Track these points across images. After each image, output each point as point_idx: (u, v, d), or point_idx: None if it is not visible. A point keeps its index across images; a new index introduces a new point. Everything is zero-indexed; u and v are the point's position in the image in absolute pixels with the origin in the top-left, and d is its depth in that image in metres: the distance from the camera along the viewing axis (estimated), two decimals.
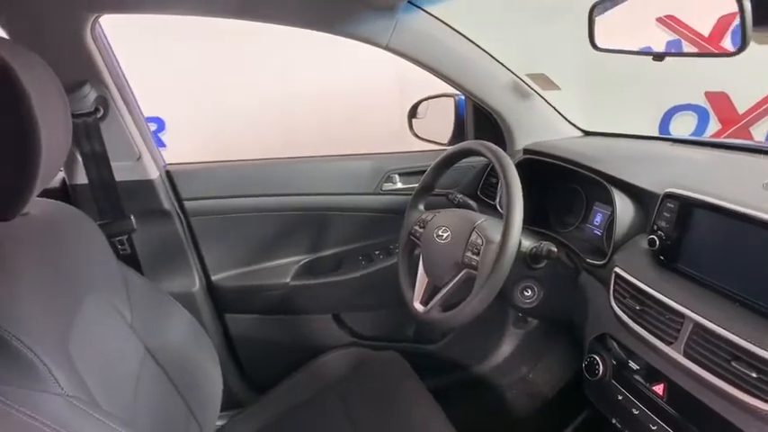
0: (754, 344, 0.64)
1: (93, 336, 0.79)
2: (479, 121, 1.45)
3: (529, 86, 1.32)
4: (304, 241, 1.43)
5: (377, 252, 1.48)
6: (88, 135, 1.05)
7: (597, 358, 0.90)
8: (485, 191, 1.43)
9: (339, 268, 1.46)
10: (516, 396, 1.58)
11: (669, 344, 0.75)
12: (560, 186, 1.25)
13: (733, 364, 0.66)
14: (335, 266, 1.47)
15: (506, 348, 1.64)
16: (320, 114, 2.40)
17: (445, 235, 1.04)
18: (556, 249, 0.95)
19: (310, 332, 1.48)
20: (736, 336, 0.66)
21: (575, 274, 1.07)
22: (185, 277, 1.28)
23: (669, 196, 0.83)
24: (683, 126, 2.54)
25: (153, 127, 2.34)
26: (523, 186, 1.21)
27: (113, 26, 1.07)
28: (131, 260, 1.16)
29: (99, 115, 1.05)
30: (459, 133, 1.53)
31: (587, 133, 1.41)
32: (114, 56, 1.08)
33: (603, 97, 2.19)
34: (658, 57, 0.88)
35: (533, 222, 1.19)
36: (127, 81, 1.12)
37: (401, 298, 1.38)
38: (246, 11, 1.04)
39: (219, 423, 1.26)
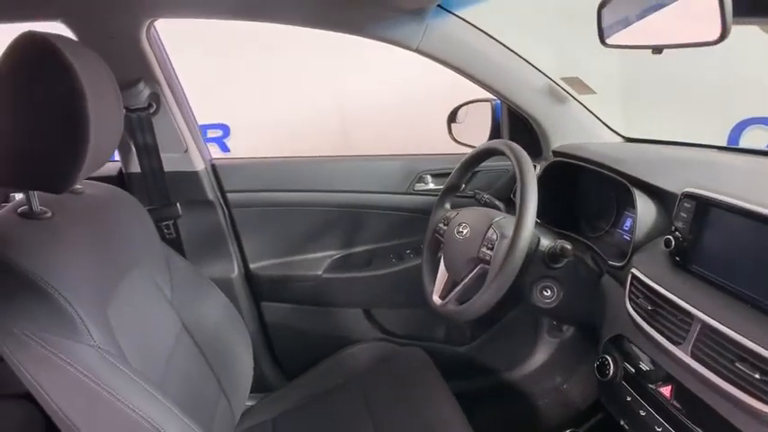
0: (758, 344, 0.63)
1: (132, 305, 0.88)
2: (515, 125, 1.45)
3: (564, 90, 1.32)
4: (338, 237, 1.48)
5: (408, 251, 1.52)
6: (141, 128, 1.16)
7: (609, 359, 0.89)
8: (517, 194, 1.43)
9: (370, 265, 1.51)
10: (547, 406, 1.55)
11: (677, 344, 0.74)
12: (593, 191, 1.23)
13: (737, 364, 0.65)
14: (367, 263, 1.51)
15: (540, 357, 1.61)
16: (374, 119, 2.47)
17: (465, 231, 1.06)
18: (570, 247, 0.95)
19: (341, 325, 1.53)
20: (743, 336, 0.65)
21: (597, 278, 1.05)
22: (225, 263, 1.37)
23: (687, 196, 0.81)
24: (758, 141, 2.31)
25: (218, 133, 2.51)
26: (553, 189, 1.22)
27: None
28: (176, 244, 1.26)
29: (152, 110, 1.16)
30: (495, 137, 1.54)
31: (628, 140, 1.38)
32: (167, 56, 1.19)
33: (657, 109, 2.10)
34: (657, 50, 0.87)
35: (563, 226, 1.19)
36: (178, 80, 1.23)
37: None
38: (284, 15, 1.12)
39: (249, 404, 1.34)
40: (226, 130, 2.56)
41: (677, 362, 0.74)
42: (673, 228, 0.83)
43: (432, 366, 1.27)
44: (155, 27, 1.13)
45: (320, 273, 1.45)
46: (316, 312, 1.51)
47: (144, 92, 1.13)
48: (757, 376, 0.62)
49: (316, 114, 2.47)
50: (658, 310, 0.79)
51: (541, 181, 1.25)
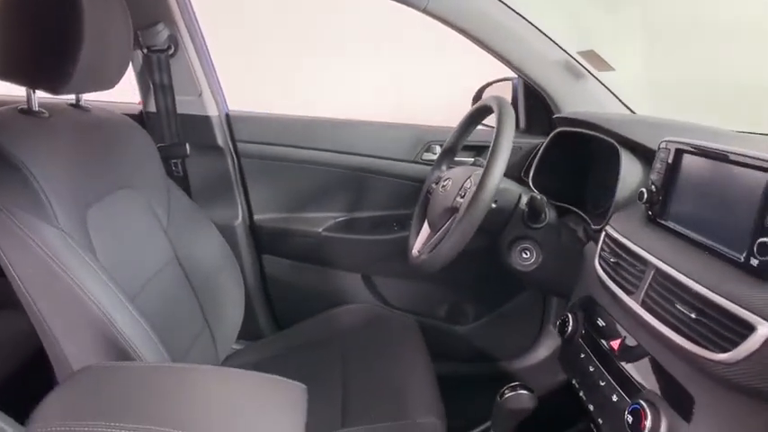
0: (702, 285, 0.59)
1: (117, 218, 0.94)
2: (533, 104, 1.43)
3: (580, 64, 1.28)
4: (343, 198, 1.50)
5: (410, 221, 1.51)
6: (160, 69, 1.24)
7: (570, 317, 0.85)
8: (528, 173, 1.40)
9: (372, 230, 1.52)
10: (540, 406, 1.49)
11: (630, 294, 0.71)
12: (602, 168, 1.19)
13: (677, 306, 0.61)
14: (369, 228, 1.52)
15: (542, 352, 1.54)
16: None
17: (447, 184, 1.05)
18: (539, 197, 0.92)
19: (339, 287, 1.54)
20: (688, 278, 0.61)
21: (581, 245, 1.01)
22: (230, 210, 1.43)
23: (664, 147, 0.77)
24: None
25: None
26: (559, 160, 1.18)
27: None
28: (183, 183, 1.33)
29: (170, 52, 1.24)
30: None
31: None
32: (189, 2, 1.26)
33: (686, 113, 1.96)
34: None
35: (568, 200, 1.15)
36: (198, 25, 1.30)
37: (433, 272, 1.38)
38: None
39: (237, 347, 1.38)
40: None
41: (628, 312, 0.70)
42: (650, 182, 0.79)
43: (418, 336, 1.25)
44: None
45: (321, 231, 1.48)
46: (316, 271, 1.53)
47: (163, 33, 1.21)
48: (693, 315, 0.58)
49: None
50: (620, 262, 0.76)
51: (546, 153, 1.23)
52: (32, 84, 0.81)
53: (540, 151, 1.24)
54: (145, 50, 1.22)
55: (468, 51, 1.32)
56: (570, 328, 0.83)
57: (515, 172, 1.42)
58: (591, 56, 1.27)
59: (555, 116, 1.27)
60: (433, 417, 0.95)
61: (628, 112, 1.30)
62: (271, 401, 0.70)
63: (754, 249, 0.55)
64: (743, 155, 0.61)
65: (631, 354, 0.69)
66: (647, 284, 0.68)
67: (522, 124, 1.47)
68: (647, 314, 0.66)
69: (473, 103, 1.58)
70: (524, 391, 0.79)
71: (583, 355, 0.78)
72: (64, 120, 0.90)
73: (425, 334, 1.27)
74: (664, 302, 0.64)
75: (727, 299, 0.55)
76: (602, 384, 0.71)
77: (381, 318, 1.33)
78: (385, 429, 0.93)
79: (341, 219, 1.52)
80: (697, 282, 0.60)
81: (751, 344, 0.51)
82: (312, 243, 1.49)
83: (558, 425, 1.19)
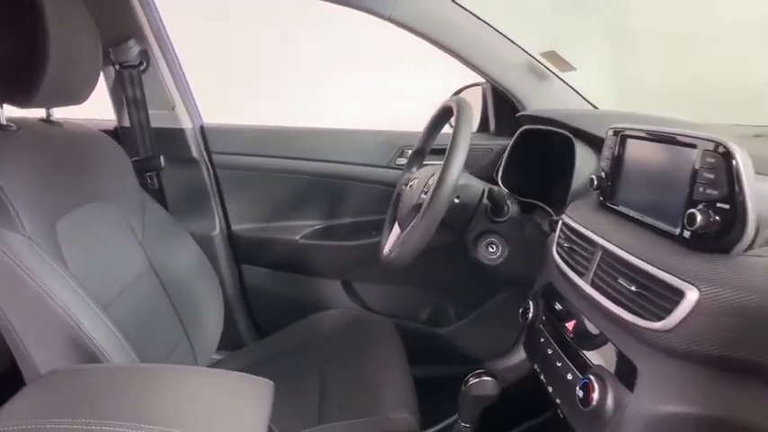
0: (641, 259, 0.61)
1: (89, 230, 0.96)
2: (503, 108, 1.46)
3: (543, 65, 1.32)
4: (320, 206, 1.53)
5: None
6: (132, 84, 1.27)
7: (531, 303, 0.87)
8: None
9: (350, 236, 1.54)
10: (517, 402, 1.49)
11: (581, 275, 0.73)
12: (565, 162, 1.22)
13: (619, 281, 0.63)
14: (347, 234, 1.54)
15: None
16: None
17: (414, 183, 1.08)
18: (497, 189, 0.95)
19: (319, 294, 1.56)
20: (629, 254, 0.63)
21: (545, 237, 1.04)
22: (207, 221, 1.45)
23: (611, 135, 0.80)
24: None
25: None
26: (526, 161, 1.21)
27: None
28: (158, 194, 1.35)
29: (142, 68, 1.27)
30: (485, 120, 1.56)
31: None
32: (159, 17, 1.30)
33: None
34: None
35: (535, 196, 1.17)
36: (170, 40, 1.33)
37: (412, 275, 1.38)
38: None
39: (218, 357, 1.38)
40: None
41: (580, 293, 0.72)
42: (600, 169, 0.82)
43: (395, 337, 1.26)
44: None
45: (299, 238, 1.50)
46: (295, 279, 1.55)
47: (134, 49, 1.24)
48: (633, 288, 0.60)
49: None
50: (573, 246, 0.78)
51: (513, 152, 1.26)
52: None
53: (507, 150, 1.27)
54: (117, 66, 1.25)
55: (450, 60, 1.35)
56: (531, 315, 0.85)
57: (488, 173, 1.45)
58: (552, 57, 1.31)
59: (518, 114, 1.30)
60: (406, 412, 0.96)
61: (591, 108, 1.34)
62: (236, 397, 0.71)
63: (685, 221, 0.58)
64: (674, 134, 0.64)
65: (584, 333, 0.71)
66: (596, 265, 0.70)
67: (492, 127, 1.51)
68: (596, 292, 0.68)
69: None
70: (488, 378, 0.81)
71: (542, 340, 0.80)
72: (33, 134, 0.92)
73: (407, 337, 1.27)
74: (610, 280, 0.66)
75: (660, 269, 0.57)
76: (559, 365, 0.73)
77: (360, 321, 1.34)
78: (359, 425, 0.94)
79: (318, 226, 1.54)
80: (637, 257, 0.62)
81: (681, 310, 0.54)
82: (290, 251, 1.51)
83: (528, 414, 1.20)
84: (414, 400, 1.03)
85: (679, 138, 0.63)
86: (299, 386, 1.11)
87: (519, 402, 1.13)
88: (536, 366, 0.82)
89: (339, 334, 1.29)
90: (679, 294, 0.54)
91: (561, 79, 1.34)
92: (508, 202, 1.01)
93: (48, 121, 1.00)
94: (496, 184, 1.38)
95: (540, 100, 1.34)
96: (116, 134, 1.35)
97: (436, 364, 1.54)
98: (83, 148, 1.03)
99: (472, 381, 0.82)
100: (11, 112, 0.87)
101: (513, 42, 1.32)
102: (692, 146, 0.61)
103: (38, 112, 0.98)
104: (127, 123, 1.32)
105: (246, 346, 1.53)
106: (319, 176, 1.49)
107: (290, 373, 1.15)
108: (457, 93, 1.63)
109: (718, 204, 0.56)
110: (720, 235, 0.55)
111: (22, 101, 0.83)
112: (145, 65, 1.27)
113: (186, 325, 1.16)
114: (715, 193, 0.56)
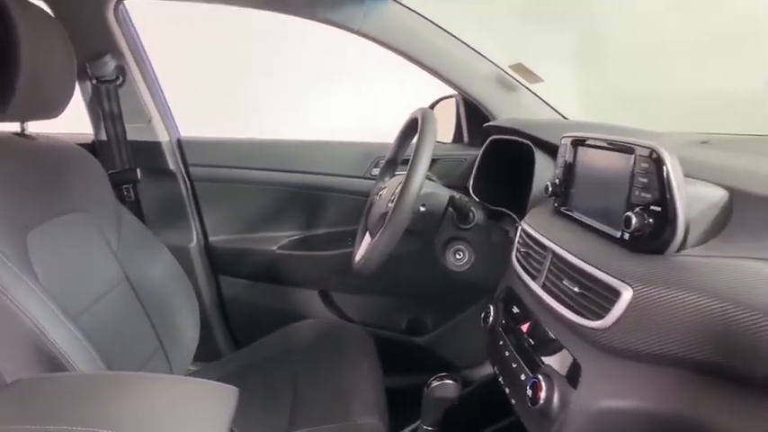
0: (583, 261, 0.63)
1: (62, 242, 0.96)
2: (475, 119, 1.49)
3: (511, 77, 1.36)
4: (297, 217, 1.54)
5: None
6: (108, 98, 1.29)
7: (491, 308, 0.89)
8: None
9: (326, 246, 1.55)
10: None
11: (535, 278, 0.75)
12: (530, 170, 1.25)
13: (565, 282, 0.65)
14: (324, 245, 1.56)
15: None
16: None
17: (383, 192, 1.10)
18: (458, 196, 0.98)
19: (297, 305, 1.57)
20: (574, 257, 0.66)
21: (511, 243, 1.06)
22: (184, 233, 1.46)
23: (564, 143, 0.83)
24: None
25: None
26: (496, 171, 1.24)
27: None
28: (135, 208, 1.36)
29: (118, 82, 1.29)
30: (458, 131, 1.59)
31: None
32: (136, 33, 1.32)
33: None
34: None
35: (504, 204, 1.20)
36: (147, 56, 1.36)
37: (388, 284, 1.39)
38: None
39: (194, 368, 1.38)
40: None
41: (534, 296, 0.75)
42: (554, 176, 0.85)
43: (369, 345, 1.28)
44: (124, 5, 1.27)
45: (276, 249, 1.51)
46: (273, 289, 1.56)
47: (110, 64, 1.26)
48: (576, 289, 0.63)
49: None
50: (529, 251, 0.81)
51: (483, 161, 1.29)
52: None
53: (477, 159, 1.30)
54: (94, 81, 1.27)
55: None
56: (492, 319, 0.87)
57: (461, 183, 1.47)
58: (519, 68, 1.35)
59: (485, 125, 1.33)
60: (374, 418, 0.98)
61: (560, 117, 1.37)
62: (196, 402, 0.72)
63: (623, 223, 0.61)
64: (614, 141, 0.67)
65: (538, 335, 0.73)
66: (547, 269, 0.72)
67: (466, 137, 1.54)
68: (546, 295, 0.70)
69: None
70: (450, 381, 0.83)
71: (501, 342, 0.82)
72: (4, 147, 0.93)
73: (384, 346, 1.28)
74: (557, 282, 0.68)
75: (599, 270, 0.60)
76: (515, 367, 0.74)
77: (335, 331, 1.35)
78: (326, 431, 0.95)
79: (295, 236, 1.55)
80: (580, 259, 0.65)
81: (618, 308, 0.56)
82: (268, 261, 1.52)
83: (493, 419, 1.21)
84: (384, 407, 1.04)
85: (619, 145, 0.66)
86: (271, 395, 1.12)
87: (484, 405, 1.15)
88: (495, 369, 0.83)
89: (314, 344, 1.30)
90: (615, 293, 0.57)
91: (531, 90, 1.37)
92: (472, 209, 1.03)
93: (21, 134, 1.01)
94: (468, 193, 1.41)
95: (510, 111, 1.37)
96: (93, 148, 1.36)
97: (413, 373, 1.55)
98: (56, 162, 1.05)
99: (434, 383, 0.84)
100: None
101: (481, 55, 1.36)
102: (631, 152, 0.64)
103: (12, 126, 1.00)
104: (104, 137, 1.33)
105: (223, 355, 1.54)
106: (296, 187, 1.51)
107: (263, 383, 1.16)
108: (433, 104, 1.66)
109: (652, 207, 0.58)
110: (654, 236, 0.58)
111: None
112: (121, 80, 1.30)
113: (161, 336, 1.16)
114: (648, 196, 0.59)
